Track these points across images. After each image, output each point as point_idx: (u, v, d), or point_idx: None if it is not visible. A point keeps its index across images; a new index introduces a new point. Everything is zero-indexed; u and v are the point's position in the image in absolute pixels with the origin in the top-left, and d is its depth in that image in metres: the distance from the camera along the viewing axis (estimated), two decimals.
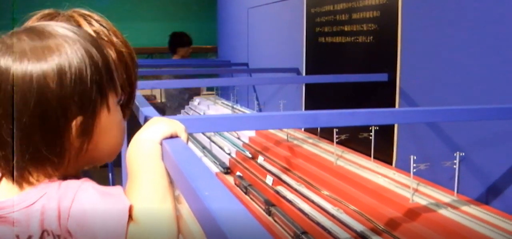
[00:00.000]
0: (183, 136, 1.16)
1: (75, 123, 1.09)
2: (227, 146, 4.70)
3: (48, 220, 1.05)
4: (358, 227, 2.63)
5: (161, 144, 1.12)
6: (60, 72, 1.06)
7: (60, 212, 1.05)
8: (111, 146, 1.18)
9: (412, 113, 2.23)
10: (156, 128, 1.13)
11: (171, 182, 1.11)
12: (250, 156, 4.25)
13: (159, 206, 1.08)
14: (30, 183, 1.10)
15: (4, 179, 1.14)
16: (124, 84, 1.22)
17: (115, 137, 1.19)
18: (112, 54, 1.23)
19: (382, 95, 3.45)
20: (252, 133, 4.67)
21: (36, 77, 1.04)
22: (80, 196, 1.06)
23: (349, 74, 3.78)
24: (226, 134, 5.03)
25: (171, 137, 1.14)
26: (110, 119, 1.15)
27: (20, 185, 1.10)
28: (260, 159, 4.06)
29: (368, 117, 1.92)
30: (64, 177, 1.13)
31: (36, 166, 1.10)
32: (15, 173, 1.09)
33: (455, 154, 2.68)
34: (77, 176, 1.15)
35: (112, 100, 1.15)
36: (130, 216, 1.04)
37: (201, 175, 0.84)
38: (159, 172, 1.10)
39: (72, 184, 1.09)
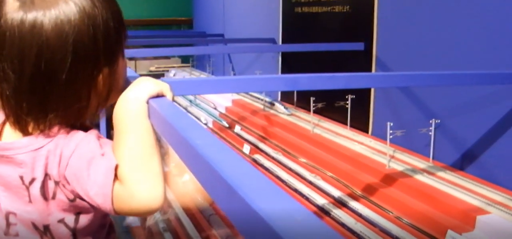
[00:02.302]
0: (169, 95, 1.17)
1: (102, 75, 1.12)
2: (203, 116, 4.70)
3: (51, 165, 1.08)
4: (336, 193, 2.66)
5: (147, 103, 1.13)
6: (94, 26, 1.08)
7: (60, 159, 1.07)
8: (120, 90, 1.18)
9: (390, 77, 2.26)
10: (143, 87, 1.14)
11: (157, 140, 1.13)
12: (227, 125, 4.26)
13: (145, 165, 1.09)
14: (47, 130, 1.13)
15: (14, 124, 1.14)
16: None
17: (123, 81, 1.21)
18: None
19: (359, 64, 3.47)
20: (228, 103, 4.67)
21: (68, 29, 1.06)
22: (81, 148, 1.08)
23: (326, 43, 3.79)
24: (202, 104, 5.03)
25: (157, 96, 1.15)
26: (123, 62, 1.19)
27: (40, 132, 1.12)
28: (237, 129, 4.07)
29: (347, 81, 1.94)
30: (73, 126, 1.15)
31: (62, 116, 1.11)
32: (41, 123, 1.11)
33: (430, 121, 2.72)
34: (84, 125, 1.18)
35: (124, 44, 1.19)
36: (116, 175, 1.06)
37: (191, 126, 0.86)
38: (146, 130, 1.11)
39: (78, 134, 1.11)
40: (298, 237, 0.46)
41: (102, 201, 1.05)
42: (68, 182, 1.07)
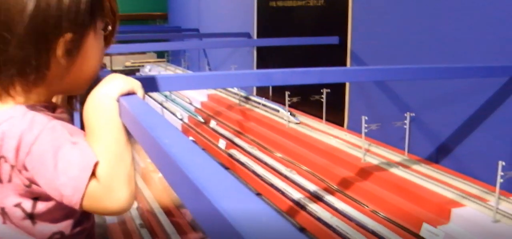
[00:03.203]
0: (140, 92, 1.15)
1: (64, 39, 1.09)
2: (179, 111, 4.69)
3: (6, 146, 1.05)
4: (311, 187, 2.66)
5: (118, 100, 1.11)
6: None
7: (20, 144, 1.04)
8: (90, 72, 1.17)
9: (363, 72, 2.26)
10: (113, 84, 1.12)
11: (128, 138, 1.11)
12: (202, 120, 4.25)
13: (121, 165, 1.08)
14: (9, 96, 1.11)
15: None
16: (108, 12, 1.20)
17: (95, 62, 1.18)
18: None
19: (334, 58, 3.47)
20: (204, 98, 4.66)
21: None
22: (46, 136, 1.05)
23: (300, 37, 3.79)
24: (178, 99, 5.02)
25: (128, 93, 1.13)
26: (95, 43, 1.15)
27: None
28: (213, 124, 4.06)
29: (321, 76, 1.94)
30: (33, 105, 1.13)
31: (21, 78, 1.09)
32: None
33: (405, 115, 2.72)
34: (48, 105, 1.16)
35: (99, 24, 1.16)
36: (93, 172, 1.05)
37: (160, 125, 0.85)
38: (120, 129, 1.09)
39: (39, 119, 1.09)
40: (261, 234, 0.45)
41: (70, 193, 1.02)
42: (26, 169, 1.04)
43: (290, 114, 3.47)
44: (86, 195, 1.03)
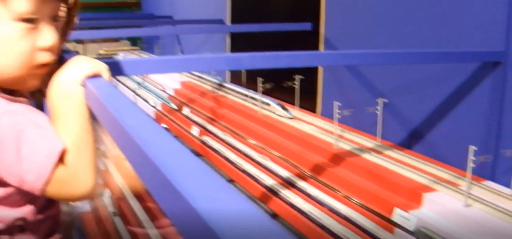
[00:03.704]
0: (106, 75, 1.13)
1: None
2: (152, 98, 4.66)
3: None
4: (284, 173, 2.66)
5: (83, 84, 1.09)
6: None
7: None
8: (3, 64, 1.09)
9: (334, 56, 2.25)
10: (78, 67, 1.09)
11: (92, 122, 1.09)
12: (175, 108, 4.23)
13: (88, 152, 1.07)
14: None
15: None
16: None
17: (7, 54, 1.08)
18: None
19: (307, 44, 3.47)
20: (177, 85, 4.64)
21: None
22: (6, 120, 1.03)
23: (273, 23, 3.79)
24: (151, 86, 4.99)
25: (94, 76, 1.11)
26: (9, 30, 1.06)
27: None
28: (186, 111, 4.04)
29: (291, 60, 1.93)
30: None
31: None
32: None
33: (378, 100, 2.73)
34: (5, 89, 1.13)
35: (6, 13, 1.06)
36: (59, 158, 1.03)
37: (124, 107, 0.83)
38: (83, 114, 1.07)
39: None
40: (225, 222, 0.44)
41: (32, 178, 1.00)
42: None
43: (282, 107, 3.32)
44: (51, 182, 1.01)
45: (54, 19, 1.12)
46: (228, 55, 1.60)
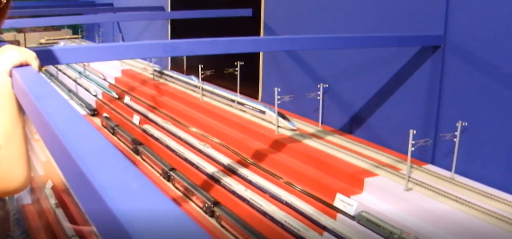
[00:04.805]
0: (34, 64, 1.09)
1: None
2: (93, 87, 4.60)
3: None
4: (225, 160, 2.64)
5: (11, 74, 1.04)
6: None
7: None
8: None
9: (273, 41, 2.23)
10: (5, 56, 1.05)
11: (20, 111, 1.05)
12: (116, 96, 4.18)
13: (19, 143, 1.02)
14: None
15: None
16: None
17: None
18: None
19: (248, 31, 3.45)
20: (118, 73, 4.59)
21: None
22: None
23: (214, 10, 3.76)
24: (92, 76, 4.92)
25: (21, 65, 1.07)
26: None
27: None
28: (127, 99, 4.00)
29: (229, 46, 1.90)
30: None
31: None
32: None
33: (318, 86, 2.72)
34: None
35: None
36: None
37: (47, 96, 0.80)
38: (11, 105, 1.03)
39: None
40: (130, 205, 0.41)
41: None
42: None
43: (283, 117, 2.77)
44: None
45: None
46: (164, 42, 1.56)
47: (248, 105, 3.02)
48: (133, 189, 0.44)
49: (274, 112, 2.69)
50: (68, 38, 7.21)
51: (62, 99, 0.78)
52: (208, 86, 3.40)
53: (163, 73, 4.10)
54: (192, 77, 3.37)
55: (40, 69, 1.10)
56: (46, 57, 1.25)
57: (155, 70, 4.20)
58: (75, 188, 0.52)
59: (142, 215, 0.41)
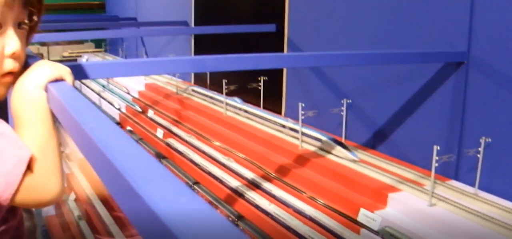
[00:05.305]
0: (69, 79, 1.12)
1: None
2: (116, 101, 4.64)
3: None
4: (249, 174, 2.66)
5: (46, 88, 1.07)
6: None
7: None
8: None
9: (299, 57, 2.26)
10: (40, 71, 1.08)
11: (55, 125, 1.08)
12: (140, 110, 4.22)
13: (54, 157, 1.05)
14: None
15: None
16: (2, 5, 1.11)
17: None
18: None
19: (271, 46, 3.48)
20: (141, 87, 4.64)
21: None
22: None
23: (238, 25, 3.80)
24: (115, 89, 4.97)
25: (56, 80, 1.10)
26: None
27: None
28: (150, 113, 4.04)
29: (255, 62, 1.93)
30: None
31: None
32: None
33: (342, 101, 2.74)
34: None
35: None
36: (28, 167, 1.01)
37: (86, 110, 0.83)
38: (47, 119, 1.06)
39: None
40: (184, 224, 0.43)
41: (1, 189, 0.98)
42: None
43: (342, 146, 2.57)
44: (22, 190, 0.99)
45: (19, 25, 1.10)
46: (192, 58, 1.59)
47: (294, 129, 2.79)
48: (179, 199, 0.47)
49: (331, 139, 2.57)
50: (91, 51, 7.27)
51: (101, 114, 0.80)
52: (251, 108, 3.32)
53: (202, 94, 4.10)
54: (235, 98, 3.34)
55: (73, 84, 1.13)
56: (78, 72, 1.28)
57: (178, 85, 4.24)
58: (124, 204, 0.54)
59: (190, 223, 0.43)
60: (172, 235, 0.42)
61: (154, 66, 1.76)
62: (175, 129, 3.57)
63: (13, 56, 1.08)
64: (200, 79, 4.41)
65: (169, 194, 0.49)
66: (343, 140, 2.68)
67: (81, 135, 0.74)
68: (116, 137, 0.67)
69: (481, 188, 2.11)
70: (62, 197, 1.05)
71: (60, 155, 1.08)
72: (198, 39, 4.67)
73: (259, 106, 3.40)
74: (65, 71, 1.13)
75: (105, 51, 7.22)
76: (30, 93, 1.06)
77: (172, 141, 3.40)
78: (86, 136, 0.70)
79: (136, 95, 4.58)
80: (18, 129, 1.06)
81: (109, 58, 6.43)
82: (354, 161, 2.46)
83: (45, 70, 1.09)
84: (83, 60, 6.64)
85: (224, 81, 3.43)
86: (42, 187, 1.03)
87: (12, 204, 1.01)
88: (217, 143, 3.11)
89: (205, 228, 0.43)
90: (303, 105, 2.64)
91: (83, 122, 0.74)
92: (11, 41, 1.07)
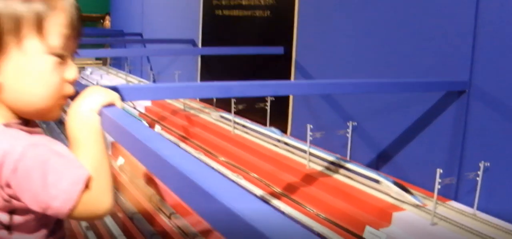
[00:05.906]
0: (119, 104, 1.25)
1: None
2: None
3: None
4: (258, 192, 2.76)
5: (100, 113, 1.20)
6: None
7: (3, 162, 1.08)
8: (25, 94, 1.18)
9: (314, 85, 2.37)
10: (95, 97, 1.21)
11: (107, 147, 1.21)
12: (146, 125, 4.24)
13: (107, 175, 1.19)
14: None
15: None
16: (66, 37, 1.21)
17: (31, 86, 1.17)
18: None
19: (278, 68, 3.59)
20: (148, 103, 4.72)
21: None
22: (30, 152, 1.10)
23: (245, 47, 3.89)
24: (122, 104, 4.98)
25: (108, 105, 1.22)
26: (25, 64, 1.16)
27: None
28: (157, 129, 4.10)
29: (277, 88, 2.06)
30: (8, 123, 1.18)
31: None
32: None
33: (348, 124, 2.84)
34: (21, 121, 1.23)
35: (34, 46, 1.16)
36: (86, 185, 1.13)
37: (153, 137, 0.95)
38: (101, 141, 1.19)
39: (18, 135, 1.15)
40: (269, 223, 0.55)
41: (59, 205, 1.09)
42: (9, 186, 1.10)
43: (405, 190, 2.37)
44: (79, 206, 1.11)
45: (72, 55, 1.24)
46: (219, 84, 1.68)
47: (358, 172, 2.61)
48: (274, 219, 0.59)
49: (392, 182, 2.41)
50: (93, 64, 7.31)
51: (166, 140, 0.93)
52: (295, 142, 3.07)
53: (192, 105, 4.16)
54: (273, 128, 3.31)
55: (122, 108, 1.26)
56: (129, 94, 1.40)
57: (185, 101, 4.30)
58: (214, 221, 0.66)
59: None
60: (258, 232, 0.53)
61: (186, 90, 1.90)
62: (182, 145, 3.64)
63: (72, 82, 1.22)
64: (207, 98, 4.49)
65: (259, 211, 0.61)
66: (404, 183, 2.48)
67: (156, 160, 0.87)
68: (193, 163, 0.80)
69: (479, 209, 2.23)
70: (112, 210, 1.17)
71: (111, 174, 1.20)
72: (205, 57, 4.76)
73: (265, 124, 3.48)
74: (116, 97, 1.26)
75: (110, 65, 7.23)
76: (86, 117, 1.19)
77: None
78: (162, 161, 0.83)
79: (143, 110, 4.66)
80: (74, 149, 1.18)
81: (113, 71, 6.46)
82: (417, 206, 2.29)
83: (99, 95, 1.23)
84: (87, 73, 6.68)
85: (233, 101, 3.53)
86: (97, 202, 1.15)
87: (70, 218, 1.13)
88: (224, 160, 3.18)
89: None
90: (311, 126, 2.73)
91: (158, 149, 0.87)
92: (71, 68, 1.23)
